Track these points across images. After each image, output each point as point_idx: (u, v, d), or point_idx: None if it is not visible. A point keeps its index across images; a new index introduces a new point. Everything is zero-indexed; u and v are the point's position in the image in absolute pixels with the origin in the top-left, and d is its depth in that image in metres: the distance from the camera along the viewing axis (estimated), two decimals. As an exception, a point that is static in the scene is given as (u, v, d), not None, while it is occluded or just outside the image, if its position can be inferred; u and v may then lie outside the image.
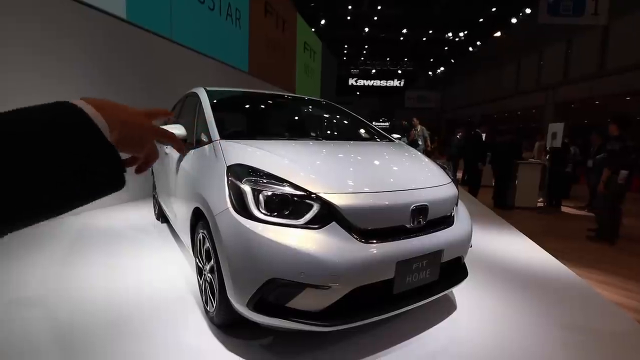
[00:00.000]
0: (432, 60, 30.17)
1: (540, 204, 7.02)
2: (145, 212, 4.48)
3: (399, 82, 35.02)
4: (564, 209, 6.86)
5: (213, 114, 2.37)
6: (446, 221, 1.95)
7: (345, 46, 27.85)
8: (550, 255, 3.36)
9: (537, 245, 3.69)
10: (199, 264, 2.09)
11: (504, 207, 6.76)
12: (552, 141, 6.13)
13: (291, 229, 1.54)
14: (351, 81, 34.94)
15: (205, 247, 1.92)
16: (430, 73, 33.07)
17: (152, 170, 4.13)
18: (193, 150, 2.37)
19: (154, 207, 4.24)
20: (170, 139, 0.58)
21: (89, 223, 3.90)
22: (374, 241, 1.60)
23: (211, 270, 1.85)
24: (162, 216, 3.93)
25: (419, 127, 7.97)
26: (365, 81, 35.21)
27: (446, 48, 26.46)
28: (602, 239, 4.51)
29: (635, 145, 4.45)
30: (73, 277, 2.52)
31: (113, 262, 2.84)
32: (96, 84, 4.62)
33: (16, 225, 0.35)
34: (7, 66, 3.54)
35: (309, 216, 1.56)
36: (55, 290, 2.33)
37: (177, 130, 2.43)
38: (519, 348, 1.85)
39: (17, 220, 0.35)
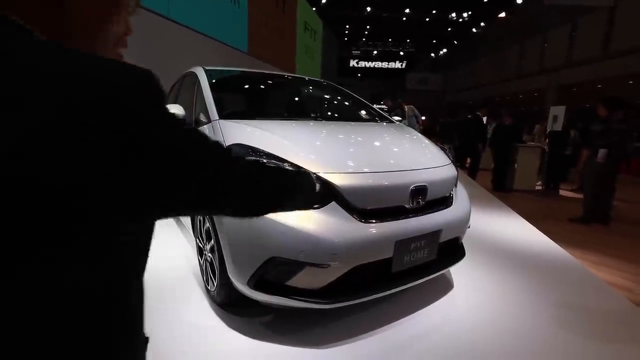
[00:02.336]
0: (434, 41, 29.65)
1: (538, 187, 7.04)
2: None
3: (400, 64, 34.54)
4: (561, 192, 6.89)
5: (212, 94, 2.35)
6: (445, 202, 1.97)
7: (347, 26, 27.31)
8: (547, 237, 3.40)
9: (534, 228, 3.72)
10: (199, 244, 2.11)
11: (503, 190, 6.78)
12: (553, 124, 6.09)
13: (291, 208, 1.54)
14: (352, 62, 34.46)
15: (205, 227, 1.94)
16: (432, 55, 32.55)
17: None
18: (192, 131, 2.35)
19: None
20: None
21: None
22: (373, 221, 1.61)
23: (211, 250, 1.87)
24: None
25: (406, 108, 7.89)
26: (366, 62, 34.72)
27: (449, 29, 25.96)
28: (585, 221, 4.56)
29: (622, 128, 4.43)
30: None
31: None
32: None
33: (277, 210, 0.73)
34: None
35: (308, 196, 1.57)
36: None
37: (176, 110, 2.40)
38: (514, 326, 1.89)
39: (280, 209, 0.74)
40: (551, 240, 3.30)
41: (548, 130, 6.51)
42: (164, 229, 3.19)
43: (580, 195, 6.39)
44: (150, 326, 1.69)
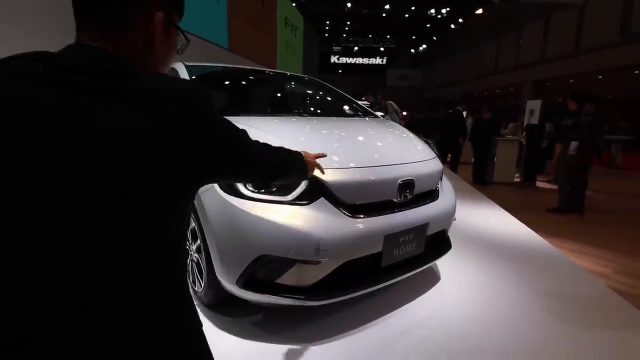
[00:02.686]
0: (414, 38, 29.98)
1: (516, 179, 7.24)
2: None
3: (381, 60, 34.76)
4: (538, 183, 7.10)
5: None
6: (431, 195, 1.99)
7: (327, 22, 27.25)
8: (528, 227, 3.50)
9: (515, 219, 3.83)
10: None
11: (483, 183, 6.94)
12: (530, 118, 6.26)
13: (279, 205, 1.53)
14: (333, 59, 34.45)
15: (190, 227, 1.89)
16: (412, 51, 32.92)
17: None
18: (174, 128, 2.30)
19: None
20: (319, 168, 1.29)
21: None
22: (362, 216, 1.61)
23: (198, 250, 1.83)
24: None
25: (384, 103, 7.98)
26: (347, 59, 34.78)
27: (428, 25, 26.29)
28: (561, 211, 4.74)
29: (593, 120, 4.62)
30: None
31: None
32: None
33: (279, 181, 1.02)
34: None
35: (296, 192, 1.55)
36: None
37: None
38: (502, 316, 1.94)
39: (281, 180, 1.01)
40: (532, 231, 3.40)
41: (525, 123, 6.68)
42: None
43: (555, 186, 6.62)
44: None
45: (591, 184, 4.92)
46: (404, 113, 11.43)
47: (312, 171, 1.22)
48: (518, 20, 16.62)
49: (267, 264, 1.52)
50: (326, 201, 1.57)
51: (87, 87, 0.51)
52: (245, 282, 1.56)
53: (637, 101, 15.91)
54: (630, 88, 12.66)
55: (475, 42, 21.06)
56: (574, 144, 4.53)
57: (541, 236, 3.26)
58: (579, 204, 4.76)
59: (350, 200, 1.61)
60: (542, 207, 4.95)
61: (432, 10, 23.29)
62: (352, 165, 1.69)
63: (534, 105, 6.17)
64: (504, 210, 4.17)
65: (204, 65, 2.92)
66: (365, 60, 35.06)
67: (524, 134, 7.07)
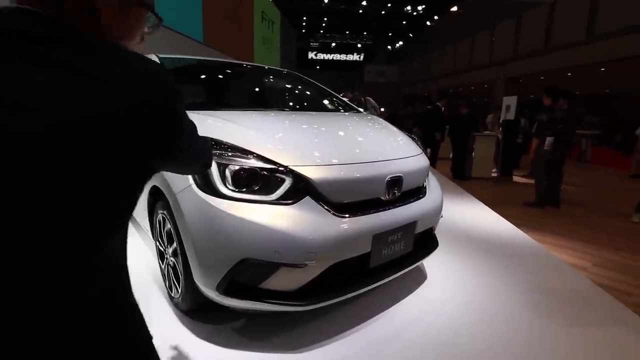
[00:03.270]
0: (390, 34, 30.19)
1: (494, 174, 7.39)
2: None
3: (358, 56, 34.83)
4: (515, 178, 7.28)
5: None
6: (419, 192, 1.93)
7: (304, 18, 27.01)
8: (508, 222, 3.54)
9: (495, 213, 3.87)
10: (160, 247, 1.93)
11: (462, 178, 7.04)
12: (506, 114, 6.38)
13: (262, 205, 1.42)
14: (311, 55, 34.23)
15: (166, 229, 1.76)
16: (389, 47, 33.17)
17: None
18: (146, 124, 2.14)
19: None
20: None
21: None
22: (350, 215, 1.53)
23: (174, 254, 1.70)
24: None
25: (362, 99, 7.99)
26: (325, 55, 34.64)
27: (404, 22, 26.51)
28: (539, 205, 4.86)
29: (566, 115, 4.74)
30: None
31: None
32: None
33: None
34: None
35: (280, 191, 1.46)
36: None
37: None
38: (490, 313, 1.92)
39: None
40: (513, 226, 3.44)
41: (501, 119, 6.82)
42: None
43: (531, 181, 6.80)
44: None
45: (565, 177, 5.06)
46: (382, 109, 11.50)
47: None
48: (491, 18, 17.01)
49: (250, 268, 1.42)
50: (312, 200, 1.48)
51: (31, 56, 0.42)
52: (226, 287, 1.46)
53: (602, 97, 16.66)
54: (596, 85, 13.21)
55: (450, 39, 21.41)
56: (549, 140, 4.64)
57: (521, 230, 3.29)
58: (555, 197, 4.88)
59: (337, 198, 1.52)
60: (520, 201, 5.06)
61: (408, 8, 23.50)
62: (339, 161, 1.60)
63: (510, 101, 6.30)
64: (484, 205, 4.22)
65: (177, 58, 2.76)
66: (343, 57, 35.04)
67: (501, 129, 7.22)
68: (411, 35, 28.68)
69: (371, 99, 8.21)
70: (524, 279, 2.31)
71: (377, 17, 25.29)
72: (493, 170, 7.44)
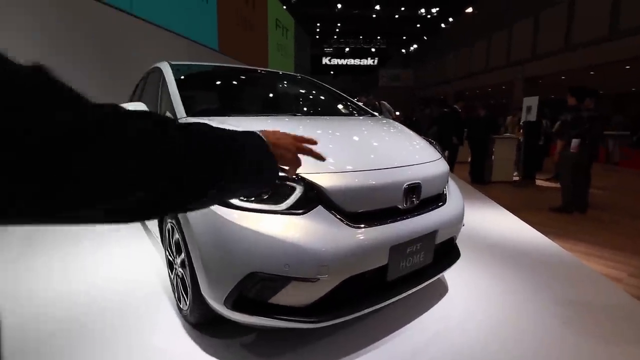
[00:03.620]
0: (404, 38, 30.00)
1: (515, 178, 7.13)
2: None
3: (372, 60, 34.73)
4: (537, 181, 7.00)
5: (178, 90, 2.11)
6: (439, 200, 1.82)
7: (318, 24, 27.14)
8: (532, 228, 3.35)
9: (519, 219, 3.68)
10: (169, 256, 1.87)
11: (481, 182, 6.82)
12: (527, 115, 6.15)
13: (272, 215, 1.34)
14: (325, 60, 34.36)
15: (174, 238, 1.70)
16: (403, 51, 32.95)
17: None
18: (156, 131, 2.11)
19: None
20: (310, 153, 0.73)
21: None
22: (365, 225, 1.43)
23: (182, 264, 1.64)
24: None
25: (377, 103, 7.86)
26: (339, 60, 34.71)
27: (418, 25, 26.30)
28: (566, 210, 4.61)
29: (593, 115, 4.49)
30: (30, 274, 2.24)
31: (74, 256, 2.55)
32: (53, 62, 4.15)
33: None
34: None
35: (291, 200, 1.37)
36: (8, 291, 2.05)
37: (139, 107, 2.16)
38: (516, 327, 1.77)
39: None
40: (539, 232, 3.25)
41: (522, 121, 6.57)
42: (132, 239, 2.90)
43: (555, 185, 6.52)
44: (114, 352, 1.41)
45: (593, 180, 4.80)
46: (397, 113, 11.34)
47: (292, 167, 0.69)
48: (507, 18, 16.65)
49: (258, 282, 1.33)
50: (324, 209, 1.39)
51: None
52: (234, 302, 1.38)
53: (628, 96, 16.01)
54: (621, 83, 12.69)
55: (466, 40, 21.08)
56: (575, 142, 4.41)
57: (548, 237, 3.11)
58: (582, 202, 4.64)
59: (352, 207, 1.43)
60: (544, 206, 4.83)
61: (422, 10, 23.30)
62: (354, 168, 1.50)
63: (531, 102, 6.06)
64: (506, 211, 4.03)
65: (192, 64, 2.74)
66: (357, 61, 35.02)
67: (522, 131, 6.97)
68: (425, 38, 28.42)
69: (386, 103, 8.09)
70: (553, 291, 2.14)
71: (391, 21, 25.17)
72: (514, 174, 7.19)
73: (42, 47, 4.14)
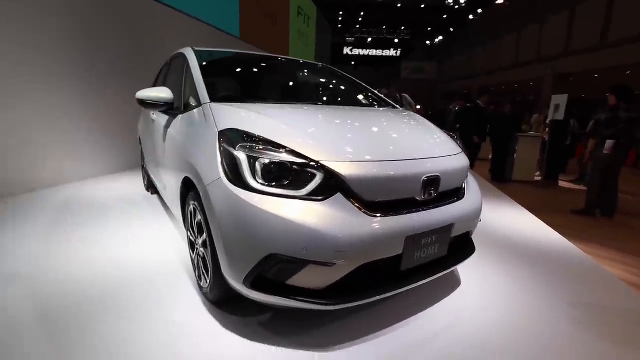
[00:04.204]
0: (429, 29, 29.28)
1: (537, 178, 6.96)
2: (133, 184, 4.30)
3: (395, 51, 34.10)
4: (561, 183, 6.82)
5: (202, 76, 2.16)
6: (457, 194, 1.82)
7: (341, 12, 26.78)
8: (553, 230, 3.30)
9: (539, 220, 3.62)
10: (191, 237, 1.96)
11: (502, 181, 6.69)
12: (554, 113, 5.96)
13: (292, 200, 1.38)
14: (346, 50, 33.94)
15: (197, 219, 1.78)
16: (427, 43, 32.21)
17: (139, 138, 3.92)
18: (181, 116, 2.18)
19: (143, 177, 4.06)
20: None
21: (74, 195, 3.72)
22: (382, 214, 1.46)
23: (204, 245, 1.71)
24: (152, 187, 3.77)
25: (398, 96, 7.73)
26: (360, 50, 34.22)
27: (445, 16, 25.60)
28: (588, 213, 4.47)
29: (632, 117, 4.29)
30: (57, 252, 2.38)
31: (100, 235, 2.69)
32: (79, 47, 4.30)
33: None
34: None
35: (311, 186, 1.41)
36: (40, 263, 2.19)
37: (163, 93, 2.23)
38: (526, 325, 1.78)
39: None
40: (557, 233, 3.20)
41: (549, 119, 6.37)
42: (155, 220, 3.02)
43: (578, 187, 6.34)
44: (138, 325, 1.51)
45: (620, 185, 4.65)
46: (418, 107, 11.13)
47: None
48: (540, 10, 16.01)
49: (277, 264, 1.39)
50: (343, 197, 1.42)
51: None
52: (253, 281, 1.44)
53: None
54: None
55: (495, 33, 20.41)
56: (609, 143, 4.24)
57: (568, 240, 3.05)
58: (610, 206, 4.49)
59: (370, 197, 1.46)
60: (565, 208, 4.72)
61: (450, 0, 22.64)
62: (374, 158, 1.53)
63: (560, 100, 5.87)
64: (526, 211, 3.96)
65: (214, 51, 2.79)
66: (379, 52, 34.44)
67: (547, 130, 6.77)
68: (452, 30, 27.65)
69: (407, 96, 7.98)
70: (570, 294, 2.12)
71: (417, 10, 24.56)
72: (536, 174, 7.01)
73: (73, 31, 4.27)
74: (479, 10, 22.65)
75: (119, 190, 4.01)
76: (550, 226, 3.40)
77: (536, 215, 3.75)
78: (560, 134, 6.49)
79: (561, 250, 2.85)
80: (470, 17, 23.86)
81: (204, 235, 1.68)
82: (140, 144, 3.90)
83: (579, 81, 14.61)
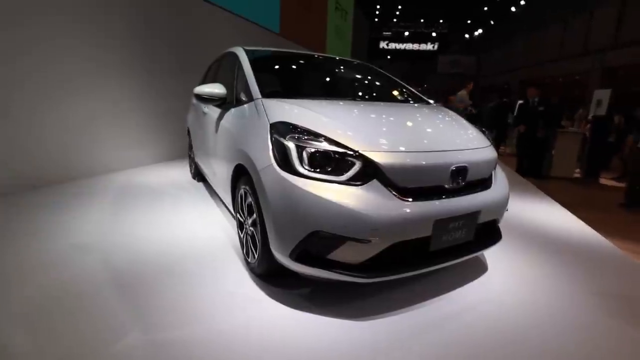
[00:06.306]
0: (469, 22, 28.35)
1: (576, 175, 6.75)
2: (181, 172, 4.68)
3: (432, 45, 33.32)
4: (602, 180, 6.57)
5: (253, 73, 2.40)
6: (484, 184, 1.96)
7: (378, 6, 26.52)
8: (586, 225, 3.30)
9: (572, 215, 3.61)
10: (240, 218, 2.21)
11: (538, 177, 6.55)
12: (597, 109, 5.76)
13: (334, 184, 1.59)
14: (382, 44, 33.57)
15: (247, 202, 2.02)
16: (466, 36, 31.20)
17: (188, 130, 4.26)
18: (233, 109, 2.43)
19: (190, 166, 4.42)
20: None
21: (129, 180, 4.13)
22: (414, 199, 1.63)
23: (253, 224, 1.95)
24: (198, 175, 4.11)
25: (457, 93, 7.59)
26: (396, 44, 33.72)
27: (485, 8, 24.70)
28: (627, 206, 4.35)
29: None
30: (122, 226, 2.74)
31: (157, 215, 3.03)
32: (141, 46, 4.70)
33: None
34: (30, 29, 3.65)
35: (351, 173, 1.61)
36: (109, 237, 2.54)
37: (218, 89, 2.49)
38: (549, 312, 1.88)
39: None
40: (590, 228, 3.20)
41: (591, 115, 6.16)
42: (203, 204, 3.34)
43: (621, 184, 6.10)
44: (195, 294, 1.79)
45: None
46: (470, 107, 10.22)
47: None
48: (589, 0, 15.11)
49: (320, 240, 1.60)
50: (379, 183, 1.61)
51: None
52: (298, 255, 1.66)
53: None
54: None
55: (538, 25, 19.48)
56: None
57: (601, 234, 3.05)
58: None
59: (403, 183, 1.64)
60: (604, 205, 4.61)
61: (491, -8, 21.82)
62: (407, 149, 1.70)
63: (602, 95, 5.67)
64: (560, 206, 3.95)
65: (261, 50, 3.04)
66: (416, 46, 33.78)
67: (589, 126, 6.53)
68: (492, 22, 26.61)
69: (465, 94, 7.75)
70: (598, 285, 2.18)
71: (456, 3, 23.86)
72: (576, 171, 6.80)
73: (120, 37, 4.66)
74: (522, 2, 21.65)
75: (168, 177, 4.39)
76: (584, 221, 3.39)
77: (570, 211, 3.73)
78: (602, 130, 6.25)
79: (592, 243, 2.88)
80: (513, 9, 22.85)
81: (254, 216, 1.92)
82: (189, 135, 4.24)
83: (628, 74, 13.70)
